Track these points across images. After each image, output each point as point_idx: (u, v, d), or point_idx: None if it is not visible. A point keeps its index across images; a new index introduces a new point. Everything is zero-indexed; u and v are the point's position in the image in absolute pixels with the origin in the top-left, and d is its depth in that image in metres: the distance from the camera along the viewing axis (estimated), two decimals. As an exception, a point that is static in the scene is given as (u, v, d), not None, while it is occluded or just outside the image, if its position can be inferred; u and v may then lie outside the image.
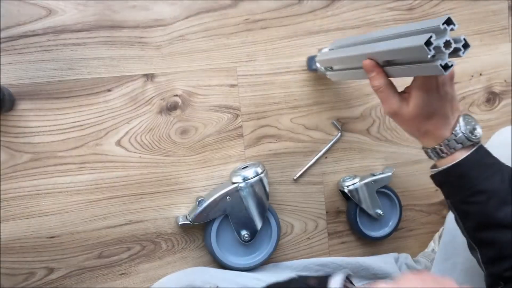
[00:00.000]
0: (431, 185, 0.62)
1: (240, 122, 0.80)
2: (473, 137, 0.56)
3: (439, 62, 0.49)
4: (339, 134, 0.84)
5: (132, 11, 0.74)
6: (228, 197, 0.74)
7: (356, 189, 0.81)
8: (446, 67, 0.49)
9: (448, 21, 0.49)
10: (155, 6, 0.75)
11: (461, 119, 0.57)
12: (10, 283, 0.71)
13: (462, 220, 0.59)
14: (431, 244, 0.90)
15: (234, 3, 0.78)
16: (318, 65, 0.76)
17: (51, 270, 0.73)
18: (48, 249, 0.73)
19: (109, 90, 0.74)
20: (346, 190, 0.81)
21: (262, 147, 0.81)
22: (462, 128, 0.57)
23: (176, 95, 0.76)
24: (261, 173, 0.75)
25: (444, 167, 0.58)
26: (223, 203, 0.74)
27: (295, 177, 0.83)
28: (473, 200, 0.55)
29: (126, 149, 0.75)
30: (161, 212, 0.77)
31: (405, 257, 0.86)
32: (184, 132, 0.77)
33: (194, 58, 0.77)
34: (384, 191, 0.85)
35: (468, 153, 0.56)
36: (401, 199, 0.87)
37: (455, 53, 0.50)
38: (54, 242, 0.73)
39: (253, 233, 0.76)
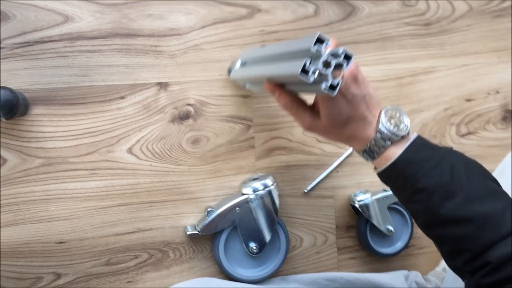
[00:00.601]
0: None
1: (252, 133, 0.79)
2: (399, 131, 0.54)
3: (323, 86, 0.46)
4: (352, 148, 0.83)
5: (148, 20, 0.74)
6: (237, 208, 0.73)
7: (367, 205, 0.80)
8: (333, 86, 0.46)
9: (319, 39, 0.45)
10: (171, 15, 0.75)
11: (382, 115, 0.55)
12: (17, 287, 0.71)
13: (413, 218, 0.57)
14: (442, 263, 0.88)
15: (250, 14, 0.78)
16: None
17: (58, 276, 0.73)
18: (56, 254, 0.73)
19: (122, 98, 0.74)
20: (357, 205, 0.80)
21: (273, 158, 0.80)
22: (386, 124, 0.54)
23: (189, 104, 0.76)
24: (272, 185, 0.74)
25: (381, 169, 0.56)
26: (232, 214, 0.74)
27: (306, 190, 0.82)
28: (416, 199, 0.53)
29: (137, 157, 0.75)
30: (170, 221, 0.77)
31: (415, 275, 0.85)
32: (195, 141, 0.77)
33: (208, 68, 0.77)
34: (395, 207, 0.83)
35: (401, 150, 0.54)
36: (413, 216, 0.85)
37: (339, 68, 0.47)
38: (63, 247, 0.73)
39: (262, 245, 0.75)
